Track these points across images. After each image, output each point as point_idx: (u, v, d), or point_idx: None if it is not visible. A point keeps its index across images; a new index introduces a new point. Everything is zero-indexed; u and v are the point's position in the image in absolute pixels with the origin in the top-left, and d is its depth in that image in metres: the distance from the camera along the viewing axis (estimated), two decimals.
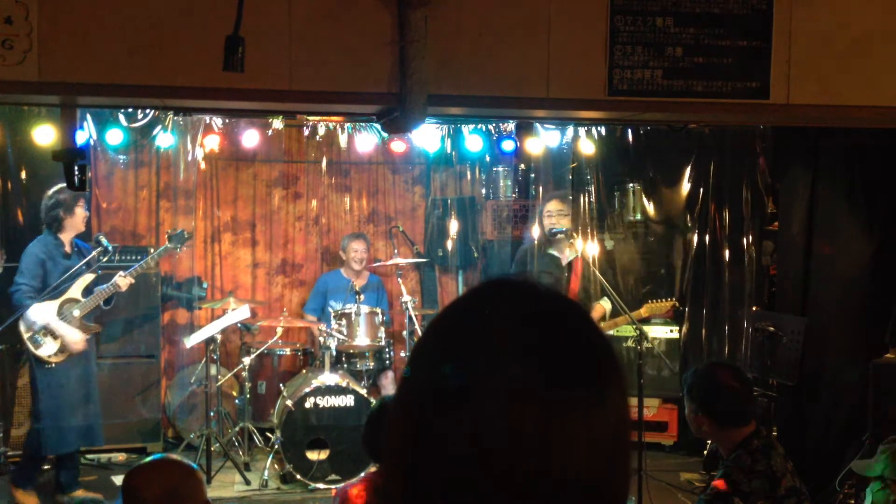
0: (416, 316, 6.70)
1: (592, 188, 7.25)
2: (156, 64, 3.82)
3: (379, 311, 6.64)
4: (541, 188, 6.93)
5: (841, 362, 5.77)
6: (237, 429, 6.58)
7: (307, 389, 6.04)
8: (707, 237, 7.10)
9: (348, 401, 6.04)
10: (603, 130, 6.73)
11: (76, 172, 4.12)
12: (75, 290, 5.62)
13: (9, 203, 6.58)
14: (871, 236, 5.74)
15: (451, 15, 3.97)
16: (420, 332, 6.67)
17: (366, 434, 3.26)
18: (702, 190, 7.10)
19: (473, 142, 6.93)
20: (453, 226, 7.74)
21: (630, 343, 6.47)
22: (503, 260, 7.48)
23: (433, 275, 8.01)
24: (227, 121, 6.55)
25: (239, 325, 6.77)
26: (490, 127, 6.78)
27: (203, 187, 7.51)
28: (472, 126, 6.75)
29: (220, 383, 6.52)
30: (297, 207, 7.80)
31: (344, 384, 6.12)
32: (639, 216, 7.26)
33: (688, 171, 7.15)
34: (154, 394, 6.86)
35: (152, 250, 6.99)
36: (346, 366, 6.56)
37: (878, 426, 5.02)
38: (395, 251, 7.20)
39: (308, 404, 6.02)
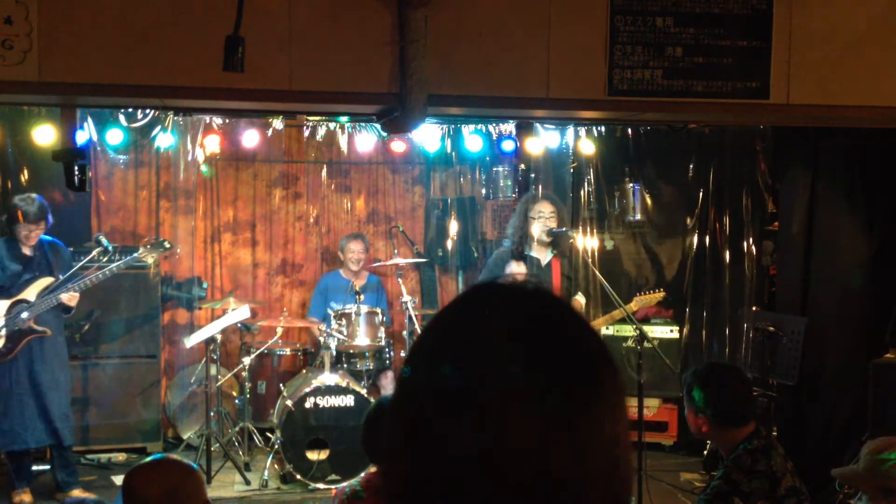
0: (416, 316, 6.70)
1: (592, 188, 7.25)
2: (156, 64, 3.82)
3: (379, 311, 6.64)
4: (540, 188, 6.93)
5: (841, 362, 5.77)
6: (237, 429, 6.58)
7: (307, 389, 6.04)
8: (707, 237, 7.10)
9: (348, 401, 6.04)
10: (603, 130, 6.73)
11: (76, 172, 4.12)
12: (30, 292, 5.57)
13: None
14: (871, 236, 5.74)
15: (451, 15, 3.98)
16: (420, 332, 6.66)
17: (364, 435, 3.26)
18: (702, 190, 7.10)
19: (473, 142, 6.92)
20: (453, 226, 7.74)
21: (630, 343, 6.47)
22: None
23: (433, 275, 8.01)
24: (227, 121, 6.55)
25: (239, 325, 6.76)
26: (490, 127, 6.78)
27: (203, 187, 7.51)
28: (472, 126, 6.75)
29: (220, 383, 6.52)
30: (297, 207, 7.80)
31: (344, 384, 6.12)
32: (639, 216, 7.25)
33: (688, 170, 7.14)
34: (154, 394, 6.86)
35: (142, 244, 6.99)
36: (346, 366, 6.56)
37: (878, 426, 5.02)
38: (395, 251, 7.20)
39: (308, 404, 6.02)
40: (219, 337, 6.34)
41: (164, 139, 6.68)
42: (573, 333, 0.90)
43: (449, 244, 7.75)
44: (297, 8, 3.89)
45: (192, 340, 6.42)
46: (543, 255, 6.29)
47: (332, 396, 6.06)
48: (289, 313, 7.08)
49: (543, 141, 6.66)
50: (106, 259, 5.73)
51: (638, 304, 6.16)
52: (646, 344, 5.60)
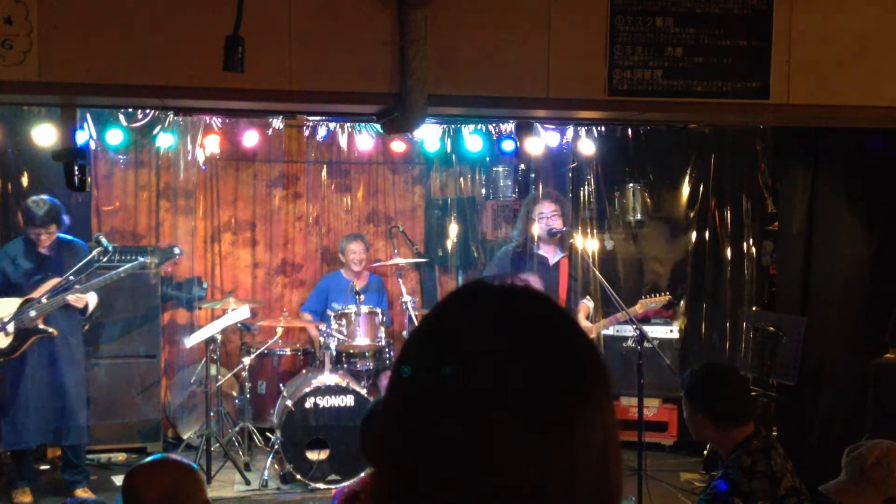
0: (415, 316, 6.70)
1: (592, 188, 7.25)
2: (156, 64, 3.82)
3: (379, 311, 6.64)
4: (540, 188, 6.93)
5: (841, 362, 5.77)
6: (237, 429, 6.58)
7: (307, 389, 6.04)
8: (707, 237, 7.10)
9: (348, 401, 6.04)
10: (603, 130, 6.73)
11: (76, 172, 4.12)
12: (39, 291, 5.58)
13: (8, 203, 6.58)
14: (871, 236, 5.73)
15: (451, 15, 3.98)
16: (411, 331, 6.66)
17: (362, 436, 3.24)
18: (702, 190, 7.10)
19: (473, 142, 6.92)
20: (453, 226, 7.74)
21: (630, 343, 6.48)
22: None
23: (433, 275, 8.01)
24: (227, 121, 6.55)
25: (239, 325, 6.76)
26: (490, 127, 6.78)
27: (203, 187, 7.50)
28: (472, 126, 6.75)
29: (220, 383, 6.52)
30: (297, 207, 7.80)
31: (344, 384, 6.12)
32: (639, 216, 7.25)
33: (688, 170, 7.14)
34: (154, 394, 6.86)
35: (152, 250, 7.00)
36: (346, 366, 6.56)
37: (878, 426, 5.02)
38: (395, 251, 7.20)
39: (308, 404, 6.02)
40: (219, 337, 6.34)
41: (164, 139, 6.68)
42: (565, 336, 0.90)
43: (449, 244, 7.75)
44: (297, 8, 3.89)
45: (192, 340, 6.42)
46: (552, 255, 6.29)
47: (332, 396, 6.06)
48: (289, 313, 7.08)
49: (543, 141, 6.66)
50: (106, 259, 5.71)
51: (643, 306, 6.17)
52: (646, 344, 5.60)
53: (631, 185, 7.23)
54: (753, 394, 5.38)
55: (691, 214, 7.18)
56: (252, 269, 7.75)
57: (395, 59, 3.92)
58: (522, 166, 7.67)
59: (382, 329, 6.62)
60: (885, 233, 5.69)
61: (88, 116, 5.91)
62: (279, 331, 6.60)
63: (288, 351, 6.93)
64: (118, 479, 5.99)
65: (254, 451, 6.63)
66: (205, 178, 7.48)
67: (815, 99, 4.26)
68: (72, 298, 5.58)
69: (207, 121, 6.41)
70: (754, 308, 6.75)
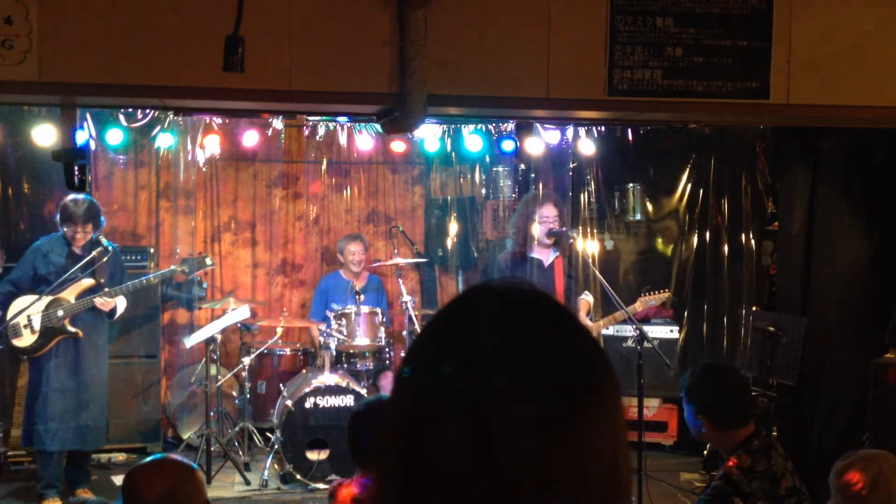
0: (416, 316, 6.70)
1: (592, 188, 7.25)
2: (156, 64, 3.82)
3: (379, 311, 6.63)
4: (540, 188, 6.93)
5: (841, 362, 5.77)
6: (237, 429, 6.58)
7: (307, 389, 6.04)
8: (707, 237, 7.11)
9: (348, 401, 6.04)
10: (603, 130, 6.73)
11: (76, 172, 4.12)
12: (69, 293, 5.57)
13: (8, 203, 6.58)
14: (871, 236, 5.73)
15: (451, 15, 3.98)
16: (419, 332, 6.67)
17: (349, 438, 3.23)
18: (702, 190, 7.11)
19: (473, 142, 6.93)
20: (453, 226, 7.74)
21: (630, 343, 6.48)
22: None
23: (433, 275, 8.01)
24: (227, 121, 6.55)
25: (239, 325, 6.76)
26: (490, 127, 6.78)
27: (203, 187, 7.50)
28: (472, 126, 6.75)
29: (220, 383, 6.52)
30: (297, 207, 7.80)
31: (344, 384, 6.12)
32: (639, 216, 7.25)
33: (688, 170, 7.15)
34: (154, 394, 6.86)
35: (152, 250, 7.01)
36: (346, 366, 6.56)
37: (878, 426, 5.03)
38: (395, 251, 7.19)
39: (308, 404, 6.02)
40: (219, 337, 6.34)
41: (164, 139, 6.68)
42: (571, 337, 0.90)
43: (449, 244, 7.75)
44: (297, 8, 3.89)
45: (192, 340, 6.42)
46: (546, 256, 6.30)
47: (332, 396, 6.06)
48: (289, 313, 7.08)
49: (543, 141, 6.66)
50: (106, 259, 5.71)
51: (643, 304, 6.16)
52: (646, 344, 5.59)
53: (631, 185, 7.23)
54: (753, 394, 5.38)
55: (691, 214, 7.18)
56: (252, 269, 7.75)
57: (395, 59, 3.92)
58: (522, 166, 7.67)
59: (382, 329, 6.62)
60: (885, 233, 5.69)
61: (88, 116, 5.92)
62: (279, 331, 6.60)
63: (288, 351, 6.93)
64: (118, 479, 5.99)
65: (254, 451, 6.63)
66: (205, 178, 7.48)
67: (815, 99, 4.26)
68: (99, 302, 5.59)
69: (207, 121, 6.41)
70: (754, 308, 6.75)
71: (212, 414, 6.23)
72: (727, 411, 3.22)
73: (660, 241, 7.34)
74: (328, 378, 6.16)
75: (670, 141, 6.92)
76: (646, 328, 6.17)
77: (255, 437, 6.64)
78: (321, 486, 5.93)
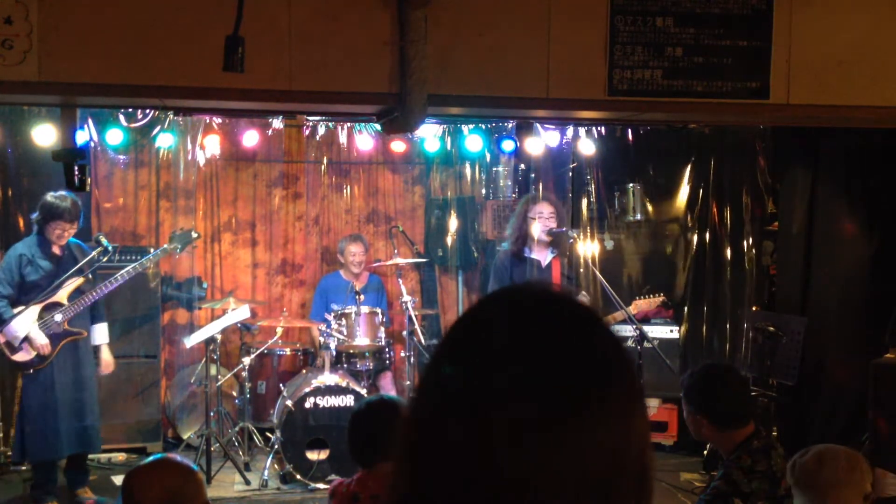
0: (415, 316, 6.70)
1: (592, 188, 7.25)
2: (156, 64, 3.82)
3: (379, 311, 6.63)
4: (540, 187, 6.93)
5: (841, 362, 5.77)
6: (237, 429, 6.57)
7: (307, 389, 6.04)
8: (707, 237, 7.10)
9: (348, 401, 6.04)
10: (603, 130, 6.73)
11: (76, 172, 4.12)
12: (61, 295, 5.47)
13: (8, 203, 6.58)
14: (871, 236, 5.74)
15: (451, 15, 3.98)
16: (419, 332, 6.71)
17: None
18: (702, 190, 7.11)
19: (473, 141, 6.92)
20: (453, 226, 7.74)
21: (630, 343, 6.47)
22: None
23: (433, 275, 8.01)
24: (227, 121, 6.55)
25: (239, 325, 6.76)
26: (490, 126, 6.78)
27: (203, 187, 7.50)
28: (471, 126, 6.75)
29: (220, 383, 6.52)
30: (297, 207, 7.80)
31: (344, 384, 6.12)
32: (639, 216, 7.25)
33: (688, 171, 7.15)
34: (154, 394, 6.86)
35: (152, 250, 7.00)
36: (346, 366, 6.56)
37: (878, 426, 5.02)
38: (395, 251, 7.19)
39: (308, 404, 6.02)
40: (219, 337, 6.33)
41: (164, 139, 6.68)
42: (580, 336, 0.90)
43: (449, 244, 7.75)
44: (297, 8, 3.89)
45: (192, 340, 6.41)
46: (543, 256, 6.29)
47: (332, 396, 6.06)
48: (289, 313, 7.07)
49: (543, 141, 6.66)
50: (106, 259, 5.70)
51: (636, 307, 6.17)
52: (646, 344, 5.60)
53: (631, 185, 7.23)
54: (753, 394, 5.38)
55: (691, 214, 7.18)
56: (252, 269, 7.74)
57: (395, 59, 3.92)
58: (522, 166, 7.66)
59: (382, 329, 6.62)
60: (885, 233, 5.70)
61: (89, 116, 5.92)
62: (279, 331, 6.60)
63: (288, 351, 6.93)
64: (118, 479, 5.99)
65: (254, 451, 6.62)
66: (205, 178, 7.47)
67: (815, 99, 4.26)
68: (105, 364, 5.67)
69: (207, 121, 6.41)
70: (754, 308, 6.75)
71: (212, 414, 6.23)
72: (727, 411, 3.22)
73: (660, 241, 7.34)
74: (328, 378, 6.16)
75: (670, 141, 6.91)
76: (646, 328, 6.18)
77: (255, 437, 6.64)
78: (321, 486, 5.93)
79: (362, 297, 6.56)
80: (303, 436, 6.00)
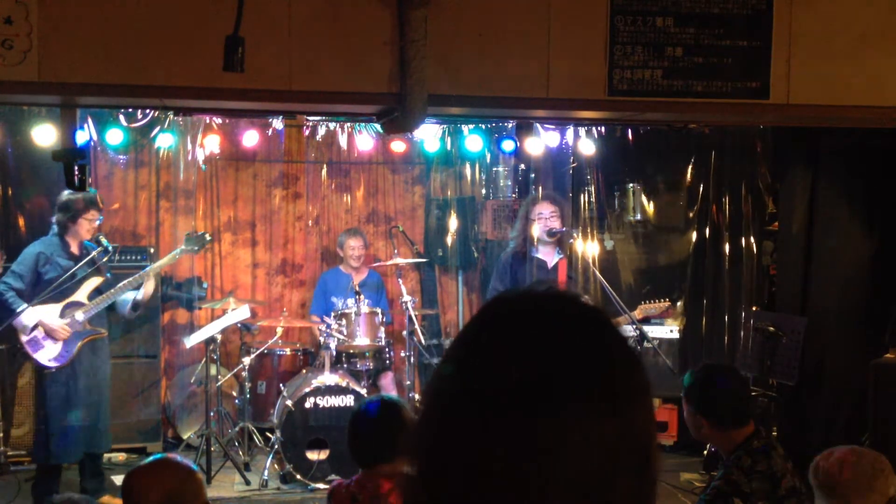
0: (416, 316, 6.70)
1: (592, 188, 7.25)
2: (156, 64, 3.82)
3: (379, 311, 6.64)
4: (540, 188, 6.93)
5: (841, 362, 5.77)
6: (237, 429, 6.58)
7: (307, 389, 6.04)
8: (707, 237, 7.10)
9: (348, 401, 6.04)
10: (603, 130, 6.73)
11: (76, 172, 4.12)
12: (81, 294, 5.53)
13: (8, 203, 6.58)
14: (871, 236, 5.73)
15: (451, 15, 3.98)
16: (419, 332, 6.71)
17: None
18: (702, 190, 7.11)
19: (473, 141, 6.92)
20: (453, 226, 7.74)
21: (630, 343, 6.47)
22: None
23: (433, 275, 8.01)
24: (226, 121, 6.55)
25: (239, 325, 6.76)
26: (490, 126, 6.78)
27: (203, 187, 7.50)
28: (471, 126, 6.75)
29: (220, 383, 6.52)
30: (297, 207, 7.80)
31: (344, 384, 6.13)
32: (639, 216, 7.25)
33: (688, 171, 7.15)
34: (154, 394, 6.86)
35: (152, 250, 7.00)
36: (346, 366, 6.56)
37: (878, 426, 5.03)
38: (395, 251, 7.19)
39: (308, 404, 6.02)
40: (219, 337, 6.34)
41: (164, 139, 6.68)
42: (597, 341, 0.91)
43: (449, 244, 7.75)
44: (297, 8, 3.89)
45: (192, 340, 6.42)
46: (550, 257, 6.30)
47: (332, 396, 6.06)
48: (289, 313, 7.07)
49: (543, 141, 6.66)
50: (106, 259, 5.70)
51: (643, 312, 6.17)
52: (646, 344, 5.60)
53: (631, 185, 7.23)
54: (753, 394, 5.38)
55: (691, 214, 7.18)
56: (252, 269, 7.74)
57: (395, 59, 3.92)
58: (522, 166, 7.67)
59: (382, 329, 6.62)
60: (885, 233, 5.70)
61: (88, 116, 5.92)
62: (279, 331, 6.60)
63: (288, 351, 6.93)
64: (118, 479, 5.98)
65: (254, 451, 6.63)
66: (205, 178, 7.47)
67: (815, 99, 4.26)
68: (150, 288, 5.69)
69: (207, 121, 6.41)
70: (754, 308, 6.75)
71: (212, 414, 6.23)
72: (727, 411, 3.22)
73: (660, 241, 7.34)
74: (328, 378, 6.16)
75: (670, 141, 6.91)
76: (646, 328, 6.18)
77: (255, 437, 6.64)
78: (321, 486, 5.93)
79: (363, 296, 6.57)
80: (303, 436, 6.00)
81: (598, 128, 6.61)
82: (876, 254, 5.70)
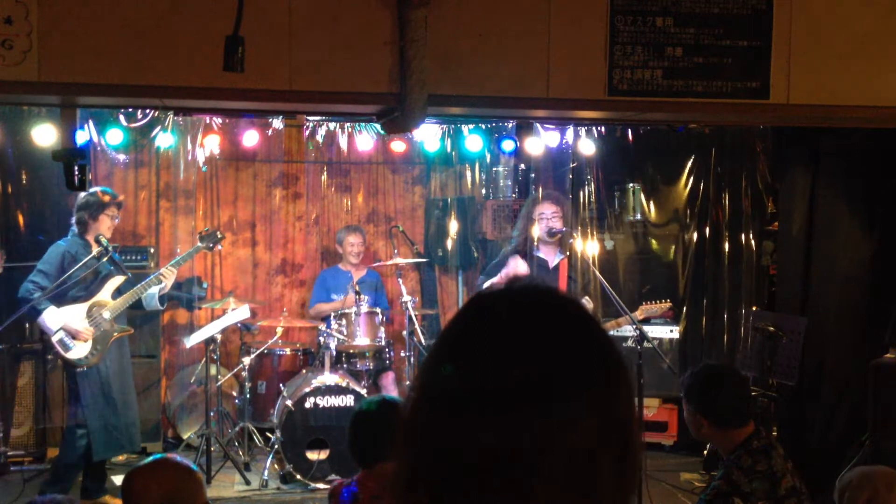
0: (416, 316, 6.70)
1: (592, 188, 7.25)
2: (156, 64, 3.82)
3: (378, 310, 6.64)
4: (540, 188, 6.93)
5: (841, 362, 5.77)
6: (237, 429, 6.58)
7: (307, 389, 6.04)
8: (707, 237, 7.11)
9: (348, 401, 6.04)
10: (603, 130, 6.73)
11: (76, 172, 4.12)
12: (105, 293, 5.58)
13: (8, 204, 6.58)
14: (871, 236, 5.73)
15: (451, 15, 3.97)
16: (419, 332, 6.71)
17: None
18: (701, 190, 7.11)
19: (473, 141, 6.92)
20: (453, 226, 7.74)
21: (630, 343, 6.47)
22: None
23: (433, 275, 8.01)
24: (227, 121, 6.55)
25: (239, 325, 6.76)
26: (490, 126, 6.78)
27: (203, 187, 7.50)
28: (472, 126, 6.75)
29: (220, 383, 6.52)
30: (297, 207, 7.80)
31: (344, 384, 6.13)
32: (639, 216, 7.26)
33: (688, 170, 7.15)
34: (154, 394, 6.86)
35: (152, 250, 7.01)
36: (346, 366, 6.56)
37: (878, 426, 5.02)
38: (395, 251, 7.20)
39: (308, 404, 6.02)
40: (219, 337, 6.34)
41: (164, 139, 6.68)
42: (582, 337, 0.91)
43: (449, 244, 7.75)
44: (297, 8, 3.88)
45: (192, 340, 6.42)
46: (552, 257, 6.30)
47: (332, 396, 6.06)
48: (289, 313, 7.08)
49: (543, 141, 6.66)
50: (106, 259, 5.70)
51: (644, 312, 6.17)
52: (646, 344, 5.60)
53: (631, 184, 7.24)
54: (753, 394, 5.38)
55: (691, 214, 7.18)
56: (252, 269, 7.75)
57: (395, 59, 3.92)
58: (522, 166, 7.67)
59: (382, 329, 6.62)
60: (885, 233, 5.69)
61: (89, 117, 5.92)
62: (279, 331, 6.60)
63: (288, 351, 6.93)
64: (118, 480, 5.98)
65: (254, 451, 6.63)
66: (205, 178, 7.48)
67: (815, 99, 4.26)
68: (170, 284, 5.73)
69: (207, 121, 6.41)
70: (754, 308, 6.75)
71: (212, 414, 6.23)
72: (727, 411, 3.22)
73: (660, 241, 7.34)
74: (328, 378, 6.16)
75: (670, 140, 6.92)
76: (646, 328, 6.17)
77: (255, 437, 6.64)
78: (321, 486, 5.94)
79: (362, 295, 6.57)
80: (303, 436, 6.00)
81: (598, 127, 6.61)
82: (876, 254, 5.69)
